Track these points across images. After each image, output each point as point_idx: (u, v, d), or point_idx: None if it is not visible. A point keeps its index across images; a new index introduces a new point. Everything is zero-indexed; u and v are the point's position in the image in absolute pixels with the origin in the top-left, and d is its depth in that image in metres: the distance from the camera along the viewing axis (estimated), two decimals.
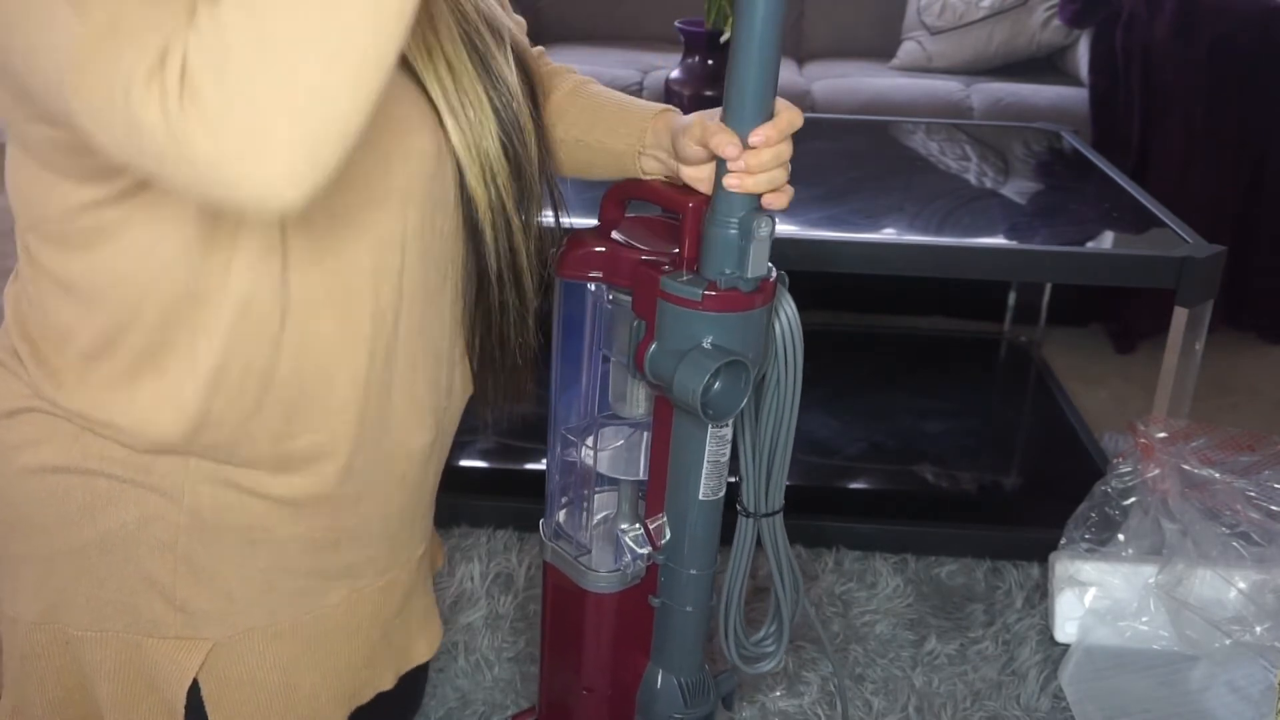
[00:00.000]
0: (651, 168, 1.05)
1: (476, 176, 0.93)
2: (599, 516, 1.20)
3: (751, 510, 1.13)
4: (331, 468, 0.94)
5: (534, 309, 1.03)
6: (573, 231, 1.09)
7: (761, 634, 1.22)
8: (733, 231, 0.96)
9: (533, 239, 1.00)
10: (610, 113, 1.07)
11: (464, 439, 1.94)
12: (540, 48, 1.13)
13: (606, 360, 1.13)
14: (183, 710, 0.95)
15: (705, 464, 1.06)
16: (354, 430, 0.93)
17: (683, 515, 1.10)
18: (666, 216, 1.10)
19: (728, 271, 0.97)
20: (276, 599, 0.96)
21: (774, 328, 1.04)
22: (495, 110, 0.93)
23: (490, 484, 1.87)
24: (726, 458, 1.08)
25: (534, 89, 1.01)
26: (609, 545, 1.18)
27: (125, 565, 0.91)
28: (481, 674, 1.50)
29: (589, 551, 1.17)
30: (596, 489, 1.19)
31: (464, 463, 1.92)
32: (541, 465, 1.91)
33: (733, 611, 1.17)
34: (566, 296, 1.11)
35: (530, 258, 1.00)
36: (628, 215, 1.11)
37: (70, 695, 0.97)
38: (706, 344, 0.98)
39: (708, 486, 1.08)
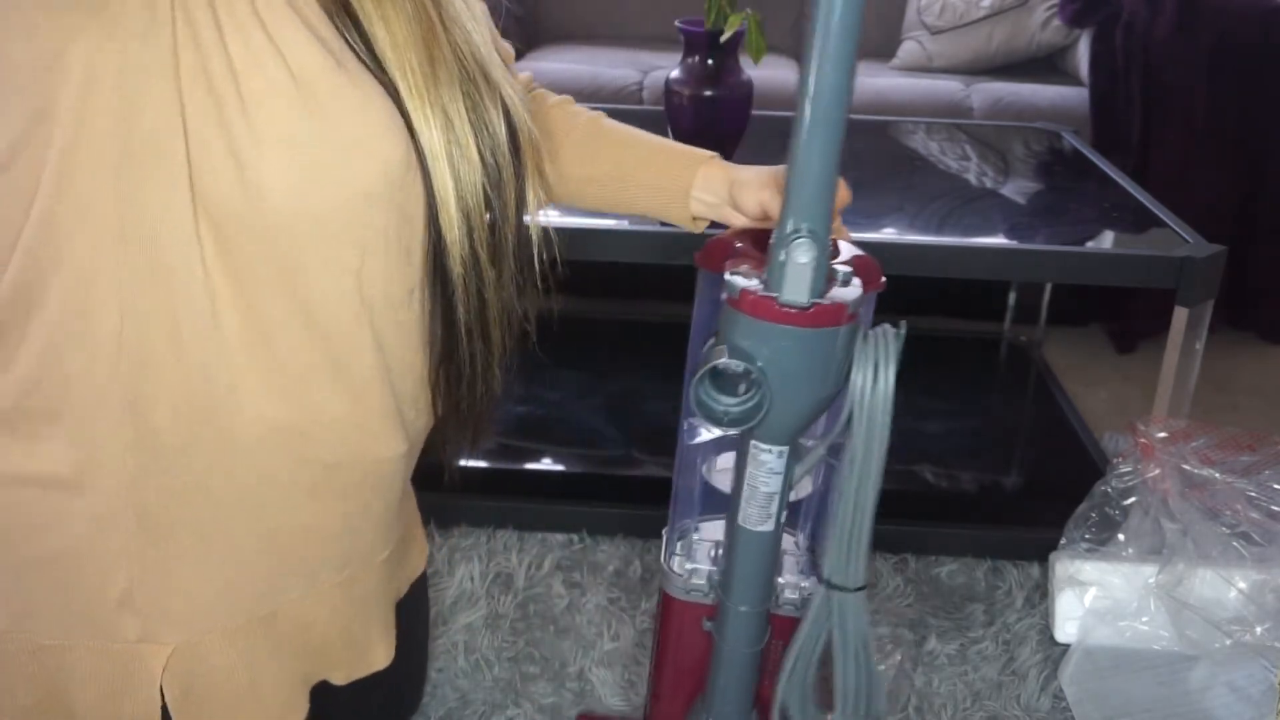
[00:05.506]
0: (700, 210, 1.08)
1: (451, 223, 0.91)
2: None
3: (824, 577, 1.02)
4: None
5: (500, 359, 1.00)
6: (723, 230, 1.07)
7: None
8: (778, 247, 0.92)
9: (505, 291, 0.98)
10: (652, 151, 1.10)
11: None
12: (527, 73, 1.12)
13: None
14: (158, 715, 0.95)
15: (745, 485, 1.01)
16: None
17: (730, 539, 1.05)
18: None
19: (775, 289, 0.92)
20: (235, 598, 0.95)
21: (855, 388, 0.93)
22: (483, 162, 0.92)
23: (490, 484, 1.86)
24: (772, 490, 1.01)
25: (518, 141, 0.98)
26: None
27: (85, 574, 0.91)
28: (481, 674, 1.50)
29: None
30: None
31: (464, 463, 1.92)
32: (542, 466, 1.91)
33: (784, 680, 1.05)
34: (705, 288, 1.07)
35: (501, 310, 0.98)
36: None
37: (42, 703, 0.96)
38: (737, 343, 0.92)
39: (746, 512, 1.02)
